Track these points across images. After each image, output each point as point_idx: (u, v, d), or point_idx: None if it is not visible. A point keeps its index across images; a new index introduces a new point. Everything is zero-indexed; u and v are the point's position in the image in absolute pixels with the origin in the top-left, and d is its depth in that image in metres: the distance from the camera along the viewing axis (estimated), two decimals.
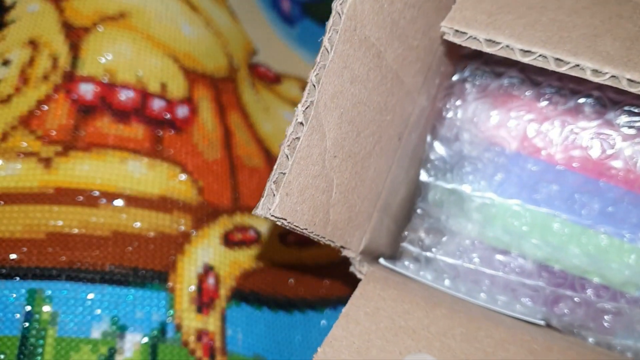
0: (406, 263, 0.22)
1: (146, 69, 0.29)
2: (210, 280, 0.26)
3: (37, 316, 0.23)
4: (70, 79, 0.27)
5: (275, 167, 0.15)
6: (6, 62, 0.28)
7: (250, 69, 0.37)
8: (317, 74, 0.15)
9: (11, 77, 0.27)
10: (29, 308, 0.23)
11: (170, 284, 0.25)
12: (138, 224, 0.25)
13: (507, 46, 0.16)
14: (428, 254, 0.22)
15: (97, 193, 0.26)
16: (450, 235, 0.22)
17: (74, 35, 0.29)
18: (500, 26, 0.17)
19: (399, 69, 0.19)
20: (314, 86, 0.15)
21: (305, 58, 0.41)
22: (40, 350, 0.22)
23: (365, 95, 0.18)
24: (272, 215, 0.15)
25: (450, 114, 0.22)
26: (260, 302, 0.27)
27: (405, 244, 0.23)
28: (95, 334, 0.23)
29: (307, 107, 0.15)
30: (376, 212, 0.21)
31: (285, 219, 0.15)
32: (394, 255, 0.23)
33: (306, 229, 0.16)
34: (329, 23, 0.16)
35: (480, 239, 0.22)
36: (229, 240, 0.28)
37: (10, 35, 0.29)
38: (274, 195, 0.15)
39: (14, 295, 0.23)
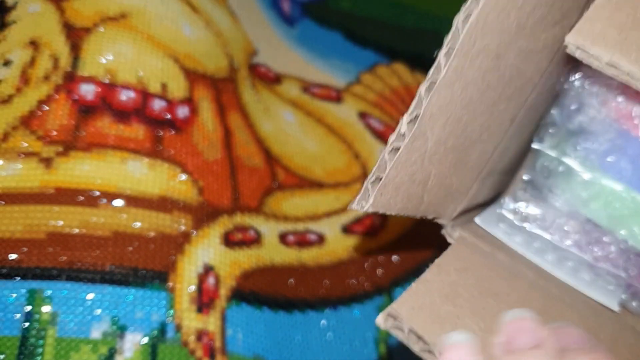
0: (501, 226, 0.22)
1: (147, 69, 0.29)
2: (211, 280, 0.26)
3: (37, 316, 0.23)
4: (71, 79, 0.27)
5: (374, 169, 0.16)
6: (7, 63, 0.28)
7: (251, 69, 0.37)
8: (428, 87, 0.15)
9: (12, 77, 0.27)
10: (29, 308, 0.23)
11: (170, 284, 0.25)
12: (138, 224, 0.25)
13: (628, 74, 0.15)
14: (525, 224, 0.22)
15: (97, 193, 0.25)
16: (548, 207, 0.22)
17: (75, 35, 0.29)
18: (629, 46, 0.15)
19: (521, 62, 0.18)
20: (422, 100, 0.15)
21: (305, 58, 0.41)
22: (40, 350, 0.22)
23: (477, 95, 0.17)
24: (364, 210, 0.16)
25: (577, 84, 0.21)
26: (260, 302, 0.27)
27: (502, 210, 0.23)
28: (96, 334, 0.23)
29: (411, 120, 0.15)
30: (476, 183, 0.21)
31: (378, 211, 0.16)
32: (489, 218, 0.23)
33: (398, 214, 0.17)
34: (448, 38, 0.15)
35: (577, 216, 0.22)
36: (229, 240, 0.28)
37: (12, 36, 0.29)
38: (369, 195, 0.16)
39: (14, 295, 0.23)
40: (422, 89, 0.15)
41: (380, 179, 0.16)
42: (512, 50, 0.17)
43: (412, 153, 0.16)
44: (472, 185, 0.21)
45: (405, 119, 0.15)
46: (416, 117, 0.16)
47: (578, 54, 0.16)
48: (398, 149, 0.16)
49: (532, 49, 0.19)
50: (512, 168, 0.25)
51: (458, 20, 0.15)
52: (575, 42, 0.16)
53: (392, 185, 0.16)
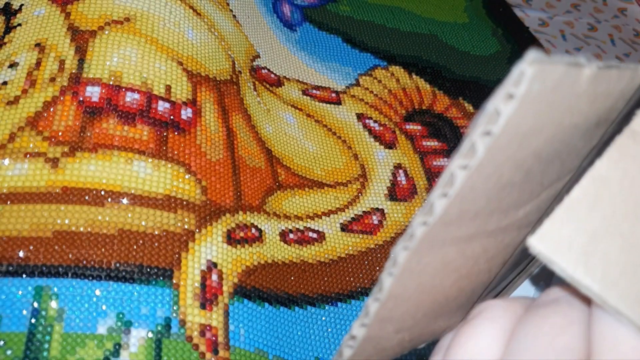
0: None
1: (151, 72, 0.29)
2: (214, 277, 0.26)
3: (43, 312, 0.23)
4: (77, 81, 0.28)
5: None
6: (13, 65, 0.28)
7: (252, 72, 0.38)
8: (373, 300, 0.13)
9: (18, 79, 0.28)
10: (35, 305, 0.23)
11: (174, 280, 0.25)
12: (143, 223, 0.26)
13: (595, 294, 0.12)
14: None
15: (103, 192, 0.26)
16: None
17: (80, 38, 0.29)
18: (595, 261, 0.12)
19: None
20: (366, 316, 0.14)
21: (305, 61, 0.42)
22: (46, 345, 0.22)
23: (437, 281, 0.15)
24: None
25: None
26: (262, 299, 0.28)
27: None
28: (101, 329, 0.23)
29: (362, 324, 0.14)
30: (480, 298, 0.18)
31: None
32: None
33: None
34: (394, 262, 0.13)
35: None
36: (231, 238, 0.28)
37: (17, 39, 0.29)
38: None
39: (21, 292, 0.23)
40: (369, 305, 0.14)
41: None
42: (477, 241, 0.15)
43: (370, 342, 0.15)
44: (469, 309, 0.18)
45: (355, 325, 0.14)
46: (364, 325, 0.14)
47: (541, 258, 0.13)
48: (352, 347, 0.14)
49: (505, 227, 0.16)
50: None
51: (415, 221, 0.13)
52: (539, 247, 0.13)
53: None
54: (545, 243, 0.13)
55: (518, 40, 0.52)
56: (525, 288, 0.22)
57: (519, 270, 0.21)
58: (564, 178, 0.16)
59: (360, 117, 0.40)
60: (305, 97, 0.40)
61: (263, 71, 0.39)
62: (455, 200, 0.13)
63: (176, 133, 0.29)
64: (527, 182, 0.14)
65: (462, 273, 0.16)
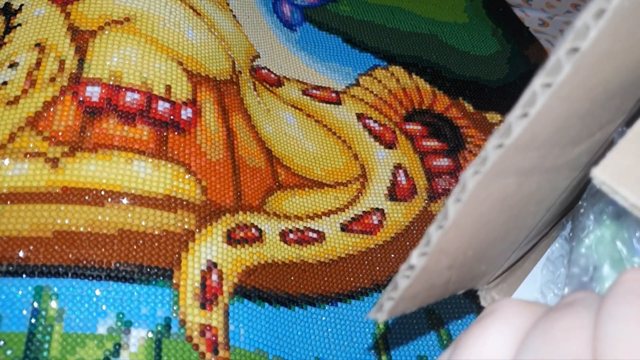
0: None
1: (151, 72, 0.29)
2: (214, 277, 0.26)
3: (43, 312, 0.23)
4: (77, 81, 0.28)
5: (388, 288, 0.15)
6: (13, 65, 0.28)
7: (252, 72, 0.38)
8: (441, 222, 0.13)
9: (18, 79, 0.28)
10: (35, 305, 0.23)
11: (174, 280, 0.25)
12: (143, 223, 0.26)
13: None
14: None
15: (103, 192, 0.26)
16: None
17: (80, 38, 0.29)
18: None
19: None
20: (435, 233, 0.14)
21: (305, 61, 0.42)
22: (46, 345, 0.22)
23: (496, 213, 0.15)
24: (380, 321, 0.15)
25: None
26: (262, 299, 0.28)
27: None
28: (101, 329, 0.23)
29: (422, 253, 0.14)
30: (514, 253, 0.19)
31: (394, 315, 0.16)
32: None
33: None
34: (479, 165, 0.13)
35: None
36: (231, 238, 0.28)
37: (17, 39, 0.29)
38: (383, 309, 0.15)
39: (21, 292, 0.23)
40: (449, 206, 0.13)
41: (392, 298, 0.15)
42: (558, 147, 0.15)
43: (424, 275, 0.15)
44: (509, 257, 0.19)
45: (415, 252, 0.14)
46: (428, 242, 0.14)
47: (604, 189, 0.14)
48: (412, 267, 0.14)
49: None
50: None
51: (489, 145, 0.13)
52: (602, 178, 0.13)
53: (407, 297, 0.15)
54: (608, 173, 0.13)
55: (518, 40, 0.52)
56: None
57: (551, 226, 0.21)
58: (618, 120, 0.16)
59: (360, 117, 0.40)
60: (305, 97, 0.40)
61: (263, 71, 0.39)
62: (535, 120, 0.12)
63: (176, 133, 0.29)
64: (589, 116, 0.14)
65: (514, 213, 0.16)
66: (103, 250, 0.25)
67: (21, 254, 0.24)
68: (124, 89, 0.28)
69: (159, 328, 0.24)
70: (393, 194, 0.36)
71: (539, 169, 0.15)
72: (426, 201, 0.37)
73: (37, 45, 0.29)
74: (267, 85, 0.38)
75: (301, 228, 0.32)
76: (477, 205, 0.14)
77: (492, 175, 0.14)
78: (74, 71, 0.28)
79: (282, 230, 0.31)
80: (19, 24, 0.30)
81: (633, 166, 0.13)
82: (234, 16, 0.40)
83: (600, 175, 0.13)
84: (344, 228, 0.33)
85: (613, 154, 0.13)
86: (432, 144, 0.40)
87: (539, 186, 0.15)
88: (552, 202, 0.18)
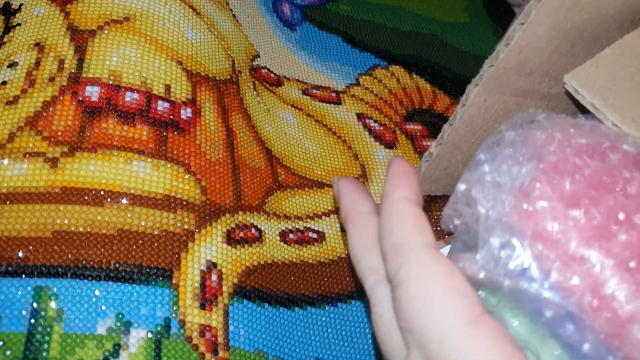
0: None
1: (150, 71, 0.29)
2: (214, 278, 0.26)
3: (43, 313, 0.23)
4: (76, 81, 0.28)
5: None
6: (13, 65, 0.28)
7: (252, 71, 0.38)
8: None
9: (17, 79, 0.28)
10: (35, 305, 0.23)
11: (174, 281, 0.25)
12: (143, 223, 0.26)
13: (604, 116, 0.18)
14: None
15: (102, 192, 0.26)
16: None
17: (80, 38, 0.29)
18: (610, 95, 0.18)
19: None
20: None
21: (305, 61, 0.42)
22: (46, 346, 0.22)
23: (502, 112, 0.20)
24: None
25: None
26: (262, 299, 0.28)
27: None
28: (101, 330, 0.23)
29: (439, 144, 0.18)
30: None
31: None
32: None
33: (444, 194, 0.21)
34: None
35: None
36: (231, 239, 0.28)
37: (17, 38, 0.29)
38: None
39: (20, 292, 0.23)
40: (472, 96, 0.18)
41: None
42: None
43: (441, 162, 0.19)
44: None
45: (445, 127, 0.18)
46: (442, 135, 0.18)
47: (570, 90, 0.18)
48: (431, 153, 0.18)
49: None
50: None
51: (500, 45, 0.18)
52: (570, 82, 0.18)
53: (429, 179, 0.19)
54: (575, 78, 0.18)
55: None
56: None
57: None
58: None
59: (360, 116, 0.40)
60: (305, 96, 0.39)
61: (263, 71, 0.39)
62: (515, 49, 0.17)
63: (176, 133, 0.29)
64: (571, 55, 0.19)
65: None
66: (102, 250, 0.25)
67: (20, 254, 0.24)
68: (123, 89, 0.28)
69: (159, 328, 0.24)
70: None
71: (534, 94, 0.19)
72: (426, 201, 0.37)
73: (37, 44, 0.29)
74: (267, 85, 0.38)
75: (301, 228, 0.32)
76: (480, 111, 0.18)
77: (489, 88, 0.18)
78: (73, 71, 0.28)
79: (282, 230, 0.31)
80: (19, 24, 0.30)
81: (596, 75, 0.18)
82: (234, 16, 0.40)
83: (569, 79, 0.18)
84: (344, 228, 0.33)
85: (585, 65, 0.18)
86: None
87: (538, 109, 0.19)
88: None
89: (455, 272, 0.15)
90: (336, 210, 0.34)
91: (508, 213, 0.15)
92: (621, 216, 0.14)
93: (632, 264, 0.14)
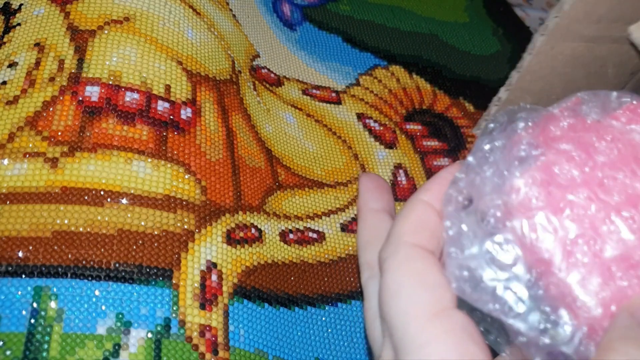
0: None
1: (150, 71, 0.29)
2: (214, 278, 0.26)
3: (43, 313, 0.23)
4: (76, 81, 0.28)
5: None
6: (13, 65, 0.28)
7: (252, 71, 0.38)
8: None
9: (17, 79, 0.28)
10: (35, 305, 0.23)
11: (174, 281, 0.25)
12: (143, 223, 0.26)
13: None
14: None
15: (102, 192, 0.26)
16: None
17: (80, 38, 0.29)
18: None
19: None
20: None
21: (305, 61, 0.42)
22: (46, 346, 0.22)
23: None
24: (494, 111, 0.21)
25: None
26: (262, 299, 0.28)
27: None
28: (101, 330, 0.23)
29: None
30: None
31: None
32: None
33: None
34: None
35: None
36: (231, 239, 0.28)
37: (17, 38, 0.29)
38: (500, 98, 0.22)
39: (20, 292, 0.23)
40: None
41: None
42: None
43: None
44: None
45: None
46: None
47: (635, 42, 0.19)
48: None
49: None
50: None
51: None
52: (634, 32, 0.19)
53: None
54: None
55: (518, 40, 0.52)
56: None
57: None
58: None
59: (360, 116, 0.40)
60: (305, 96, 0.40)
61: (263, 71, 0.39)
62: (579, 1, 0.18)
63: (176, 133, 0.29)
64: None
65: (591, 70, 0.20)
66: (102, 250, 0.25)
67: (20, 254, 0.24)
68: (123, 89, 0.28)
69: (159, 328, 0.24)
70: (393, 194, 0.36)
71: (606, 39, 0.20)
72: None
73: (37, 44, 0.29)
74: (267, 85, 0.38)
75: (301, 228, 0.32)
76: (548, 59, 0.19)
77: (555, 37, 0.19)
78: (73, 71, 0.28)
79: (282, 230, 0.31)
80: (19, 24, 0.30)
81: None
82: (234, 16, 0.40)
83: (634, 30, 0.18)
84: (344, 228, 0.33)
85: None
86: (433, 143, 0.40)
87: (611, 52, 0.20)
88: (635, 69, 0.22)
89: (434, 269, 0.15)
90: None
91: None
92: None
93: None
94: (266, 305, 0.28)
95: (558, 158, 0.15)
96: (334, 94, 0.41)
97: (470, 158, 0.17)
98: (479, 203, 0.16)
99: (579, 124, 0.16)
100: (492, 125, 0.17)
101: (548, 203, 0.15)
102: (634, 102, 0.16)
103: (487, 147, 0.17)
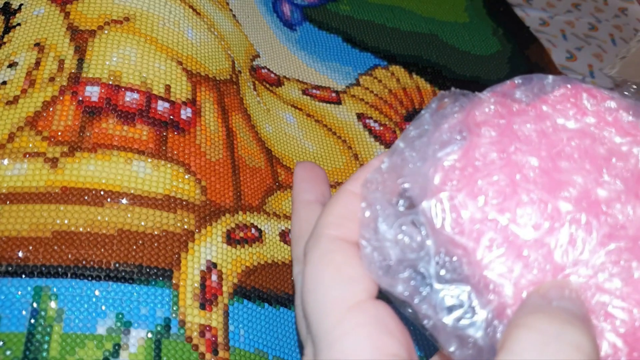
0: None
1: (150, 71, 0.29)
2: (214, 278, 0.26)
3: (43, 313, 0.23)
4: (76, 81, 0.28)
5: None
6: (13, 65, 0.28)
7: (252, 71, 0.38)
8: None
9: (17, 79, 0.28)
10: (35, 305, 0.23)
11: (174, 281, 0.25)
12: (143, 223, 0.26)
13: None
14: None
15: (102, 192, 0.26)
16: None
17: (80, 38, 0.29)
18: None
19: None
20: None
21: (305, 61, 0.42)
22: (46, 346, 0.22)
23: None
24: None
25: None
26: (262, 299, 0.28)
27: None
28: (101, 330, 0.23)
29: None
30: None
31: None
32: None
33: None
34: None
35: None
36: (231, 239, 0.28)
37: (17, 38, 0.29)
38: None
39: (20, 292, 0.23)
40: None
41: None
42: None
43: None
44: None
45: None
46: None
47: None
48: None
49: None
50: None
51: None
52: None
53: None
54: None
55: (518, 39, 0.52)
56: None
57: None
58: None
59: (360, 117, 0.40)
60: (305, 96, 0.40)
61: (263, 71, 0.39)
62: None
63: (176, 133, 0.29)
64: None
65: None
66: (102, 250, 0.25)
67: (20, 254, 0.24)
68: (123, 89, 0.28)
69: (159, 328, 0.24)
70: None
71: None
72: None
73: (37, 45, 0.29)
74: (267, 85, 0.38)
75: None
76: None
77: None
78: (73, 71, 0.28)
79: (282, 230, 0.31)
80: (19, 24, 0.30)
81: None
82: (234, 16, 0.40)
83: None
84: None
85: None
86: None
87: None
88: None
89: (352, 261, 0.15)
90: None
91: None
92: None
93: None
94: (266, 305, 0.28)
95: (479, 142, 0.15)
96: (334, 94, 0.41)
97: (399, 142, 0.16)
98: (394, 185, 0.15)
99: (505, 109, 0.16)
100: (423, 111, 0.17)
101: (464, 186, 0.15)
102: (569, 86, 0.16)
103: (415, 132, 0.16)
